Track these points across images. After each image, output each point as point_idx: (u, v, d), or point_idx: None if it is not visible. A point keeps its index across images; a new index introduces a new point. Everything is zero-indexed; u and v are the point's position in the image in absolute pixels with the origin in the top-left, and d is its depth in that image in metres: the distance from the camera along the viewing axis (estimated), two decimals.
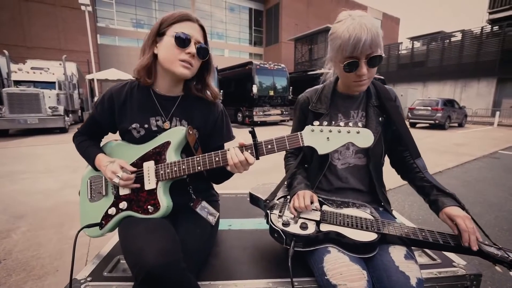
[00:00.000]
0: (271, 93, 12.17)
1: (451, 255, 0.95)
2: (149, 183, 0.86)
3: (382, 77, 15.77)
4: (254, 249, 0.98)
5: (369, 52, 0.84)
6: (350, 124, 0.73)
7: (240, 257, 0.94)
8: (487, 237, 0.82)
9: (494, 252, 0.73)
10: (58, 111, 8.38)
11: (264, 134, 8.85)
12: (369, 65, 0.86)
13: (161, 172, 0.85)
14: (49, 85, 9.16)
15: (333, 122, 0.96)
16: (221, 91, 11.28)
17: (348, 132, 0.71)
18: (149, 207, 0.83)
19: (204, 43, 0.91)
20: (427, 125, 11.98)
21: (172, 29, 0.85)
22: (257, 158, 0.79)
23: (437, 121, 11.06)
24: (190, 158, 0.83)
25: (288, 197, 0.99)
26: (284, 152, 1.16)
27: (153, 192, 0.85)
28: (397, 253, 0.76)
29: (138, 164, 0.89)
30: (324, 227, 0.80)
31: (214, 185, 1.14)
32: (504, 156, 5.98)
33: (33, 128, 8.07)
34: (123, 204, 0.86)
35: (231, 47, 28.16)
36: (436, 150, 6.50)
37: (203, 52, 0.90)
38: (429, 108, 11.28)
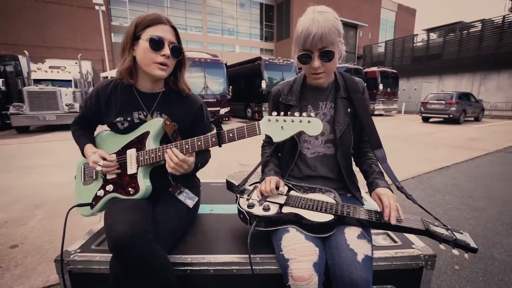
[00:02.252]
0: None
1: (412, 239, 1.00)
2: (131, 168, 0.97)
3: (395, 71, 15.42)
4: (228, 230, 1.07)
5: (321, 46, 0.89)
6: (312, 114, 0.79)
7: (214, 236, 1.03)
8: (436, 219, 0.87)
9: (440, 231, 0.78)
10: (74, 108, 8.77)
11: None
12: (321, 59, 0.91)
13: (141, 158, 0.96)
14: (66, 83, 9.57)
15: (304, 114, 1.02)
16: (231, 87, 11.36)
17: (300, 122, 0.77)
18: (130, 189, 0.94)
19: (177, 42, 0.99)
20: (441, 119, 11.62)
21: (146, 33, 0.92)
22: (220, 146, 0.87)
23: (451, 115, 10.71)
24: (165, 145, 0.93)
25: (258, 184, 1.06)
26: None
27: (134, 176, 0.96)
28: (351, 233, 0.83)
29: (122, 151, 1.00)
30: (286, 209, 0.87)
31: (197, 173, 1.23)
32: None
33: (51, 124, 8.50)
34: (109, 187, 0.98)
35: (242, 43, 28.16)
36: (448, 145, 6.33)
37: (177, 52, 0.97)
38: (443, 102, 10.93)
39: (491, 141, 6.83)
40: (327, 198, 0.92)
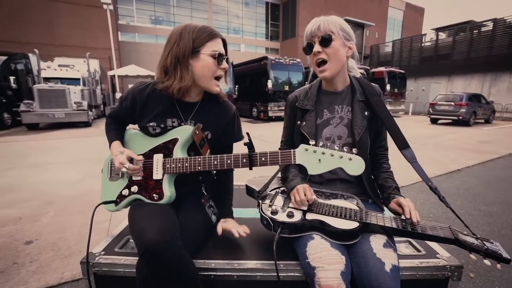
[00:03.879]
0: (286, 88, 12.10)
1: (436, 248, 0.98)
2: (157, 174, 0.97)
3: (402, 71, 15.23)
4: (248, 235, 1.06)
5: (320, 34, 0.95)
6: (354, 151, 0.76)
7: (235, 241, 1.03)
8: (466, 227, 0.85)
9: (470, 241, 0.76)
10: (82, 106, 8.87)
11: (277, 130, 8.85)
12: (321, 44, 0.96)
13: (167, 166, 0.96)
14: (74, 81, 9.69)
15: (318, 119, 1.02)
16: (236, 86, 11.35)
17: (341, 157, 0.75)
18: (154, 195, 0.95)
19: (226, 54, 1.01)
20: (450, 121, 11.44)
21: (208, 48, 0.93)
22: (250, 168, 0.86)
23: (460, 117, 10.54)
24: (192, 157, 0.93)
25: (280, 188, 1.06)
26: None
27: (159, 182, 0.96)
28: (377, 241, 0.82)
29: (149, 154, 1.00)
30: (310, 216, 0.86)
31: None
32: None
33: (60, 122, 8.61)
34: (134, 188, 0.98)
35: (247, 41, 28.11)
36: (457, 148, 6.24)
37: (228, 64, 1.01)
38: (453, 103, 10.75)
39: (503, 144, 6.70)
40: (350, 204, 0.91)
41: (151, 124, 1.00)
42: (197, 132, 0.97)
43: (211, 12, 25.55)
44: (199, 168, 0.91)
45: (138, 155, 0.99)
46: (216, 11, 25.92)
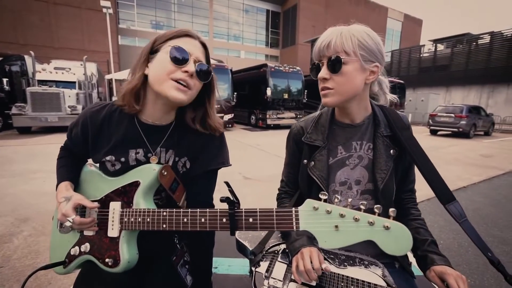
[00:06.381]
0: (286, 96, 12.00)
1: None
2: (112, 229, 0.71)
3: (402, 81, 15.19)
4: None
5: (329, 54, 0.73)
6: (392, 213, 0.50)
7: None
8: None
9: None
10: (76, 110, 8.62)
11: (275, 139, 8.65)
12: (329, 69, 0.73)
13: (125, 219, 0.70)
14: (70, 84, 9.46)
15: (331, 158, 0.80)
16: (235, 93, 11.23)
17: (371, 224, 0.49)
18: (107, 260, 0.70)
19: (206, 63, 0.75)
20: (449, 132, 11.35)
21: (168, 44, 0.71)
22: (232, 234, 0.60)
23: (461, 129, 10.45)
24: (156, 211, 0.68)
25: (281, 246, 0.82)
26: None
27: (115, 241, 0.71)
28: None
29: (106, 201, 0.75)
30: None
31: None
32: None
33: (53, 126, 8.34)
34: (85, 246, 0.73)
35: (247, 48, 28.22)
36: (460, 162, 6.06)
37: (204, 73, 0.73)
38: (453, 115, 10.68)
39: (505, 158, 6.55)
40: (374, 276, 0.68)
41: (108, 158, 0.76)
42: (165, 173, 0.72)
43: (211, 18, 25.65)
44: (164, 226, 0.66)
45: (92, 201, 0.74)
46: (217, 18, 26.04)
